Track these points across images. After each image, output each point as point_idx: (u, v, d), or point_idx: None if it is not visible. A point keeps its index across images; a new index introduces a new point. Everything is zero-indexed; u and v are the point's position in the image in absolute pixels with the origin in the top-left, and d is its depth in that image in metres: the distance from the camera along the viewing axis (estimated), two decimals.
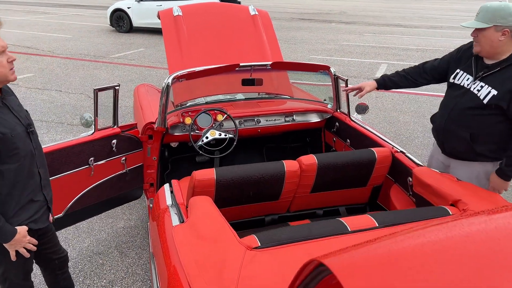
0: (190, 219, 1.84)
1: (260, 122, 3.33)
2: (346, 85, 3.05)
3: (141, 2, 12.71)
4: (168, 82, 2.84)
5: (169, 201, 2.17)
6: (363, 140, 2.99)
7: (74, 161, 2.63)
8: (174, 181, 2.33)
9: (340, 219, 1.82)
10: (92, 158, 2.72)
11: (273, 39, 3.86)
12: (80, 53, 10.09)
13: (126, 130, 2.94)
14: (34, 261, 2.10)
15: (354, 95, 2.94)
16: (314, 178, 2.42)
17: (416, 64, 2.75)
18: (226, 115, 3.14)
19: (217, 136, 3.08)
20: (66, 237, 3.34)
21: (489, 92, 2.22)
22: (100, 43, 11.32)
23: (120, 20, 13.04)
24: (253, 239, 1.68)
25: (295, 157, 3.88)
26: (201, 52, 3.58)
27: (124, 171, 2.96)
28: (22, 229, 1.82)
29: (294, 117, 3.40)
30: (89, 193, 2.79)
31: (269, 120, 3.36)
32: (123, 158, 2.92)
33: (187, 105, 3.41)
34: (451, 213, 1.89)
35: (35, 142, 1.90)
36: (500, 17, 2.12)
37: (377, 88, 2.84)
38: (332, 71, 3.22)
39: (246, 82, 3.22)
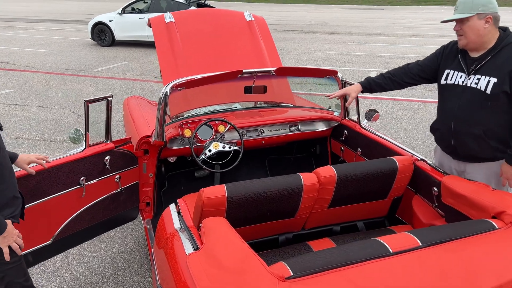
0: (206, 246, 1.59)
1: (263, 132, 3.12)
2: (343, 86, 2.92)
3: (123, 15, 12.45)
4: (166, 92, 2.61)
5: (177, 224, 1.91)
6: (377, 149, 2.80)
7: (64, 182, 2.38)
8: (180, 201, 2.08)
9: (378, 239, 1.60)
10: (83, 177, 2.46)
11: (271, 45, 3.68)
12: (61, 67, 9.73)
13: (120, 145, 2.69)
14: None
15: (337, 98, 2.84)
16: (333, 192, 2.20)
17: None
18: (229, 126, 2.91)
19: (220, 148, 2.84)
20: (55, 265, 3.01)
21: (489, 81, 2.15)
22: (82, 57, 10.97)
23: (101, 34, 12.71)
24: (283, 267, 1.45)
25: (299, 168, 3.67)
26: (197, 60, 3.37)
27: (119, 190, 2.71)
28: (8, 222, 1.78)
29: (299, 126, 3.21)
30: (80, 216, 2.53)
31: (273, 130, 3.15)
32: (117, 176, 2.67)
33: (185, 116, 3.17)
34: (497, 227, 1.70)
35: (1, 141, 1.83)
36: (481, 5, 2.13)
37: (362, 92, 2.73)
38: (340, 76, 3.04)
39: (249, 90, 3.01)
